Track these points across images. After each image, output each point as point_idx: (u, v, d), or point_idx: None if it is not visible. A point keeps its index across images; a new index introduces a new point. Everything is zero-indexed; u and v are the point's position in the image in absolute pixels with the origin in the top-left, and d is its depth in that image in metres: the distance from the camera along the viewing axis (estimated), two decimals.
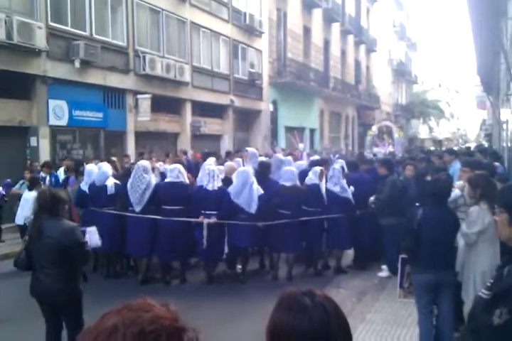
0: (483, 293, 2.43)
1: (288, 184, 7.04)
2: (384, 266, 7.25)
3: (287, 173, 7.19)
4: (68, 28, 12.06)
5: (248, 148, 9.73)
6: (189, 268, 7.34)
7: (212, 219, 6.62)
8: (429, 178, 6.36)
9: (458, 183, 5.58)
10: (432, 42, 58.78)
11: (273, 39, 22.33)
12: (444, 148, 23.37)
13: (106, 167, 7.53)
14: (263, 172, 7.63)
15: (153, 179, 7.07)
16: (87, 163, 9.04)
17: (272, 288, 6.25)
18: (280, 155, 9.96)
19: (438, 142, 54.41)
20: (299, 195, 7.04)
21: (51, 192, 4.06)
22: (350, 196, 7.35)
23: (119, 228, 7.02)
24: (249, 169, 7.58)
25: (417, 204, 5.43)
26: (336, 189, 7.26)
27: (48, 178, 9.08)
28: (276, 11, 22.47)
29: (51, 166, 9.53)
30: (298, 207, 7.04)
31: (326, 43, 28.34)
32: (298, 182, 7.22)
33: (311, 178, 7.25)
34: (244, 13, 19.59)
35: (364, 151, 22.26)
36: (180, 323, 0.94)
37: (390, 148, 21.27)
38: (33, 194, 7.90)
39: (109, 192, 7.12)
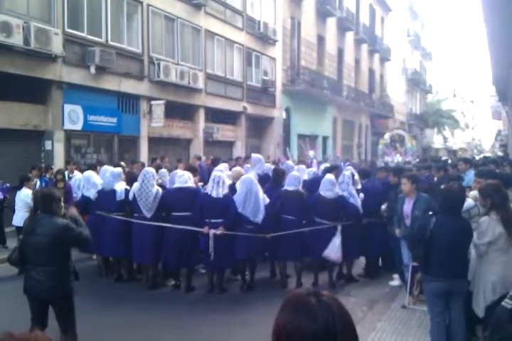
0: (508, 303, 2.39)
1: (290, 188, 6.94)
2: (395, 275, 7.16)
3: (291, 178, 7.09)
4: (84, 35, 12.23)
5: (253, 154, 9.68)
6: (198, 274, 7.28)
7: (219, 230, 6.46)
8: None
9: (472, 193, 5.50)
10: (447, 51, 58.59)
11: (287, 47, 22.42)
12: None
13: (113, 171, 7.45)
14: (276, 179, 7.58)
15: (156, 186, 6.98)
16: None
17: (281, 296, 6.19)
18: (290, 162, 9.96)
19: (452, 152, 53.91)
20: (302, 200, 6.90)
21: (43, 191, 4.32)
22: (358, 203, 7.17)
23: (127, 234, 6.98)
24: (252, 175, 7.50)
25: (430, 213, 5.36)
26: (344, 194, 7.09)
27: (38, 183, 9.03)
28: (290, 19, 22.58)
29: (42, 171, 9.45)
30: (301, 212, 6.88)
31: (340, 52, 28.37)
32: (300, 188, 7.12)
33: (330, 188, 6.92)
34: (259, 22, 19.71)
35: (376, 160, 22.14)
36: None
37: (399, 157, 21.04)
38: (24, 192, 7.78)
39: (118, 198, 7.06)
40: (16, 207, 7.85)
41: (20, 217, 7.67)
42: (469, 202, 5.22)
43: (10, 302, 5.83)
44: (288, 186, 7.01)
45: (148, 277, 6.99)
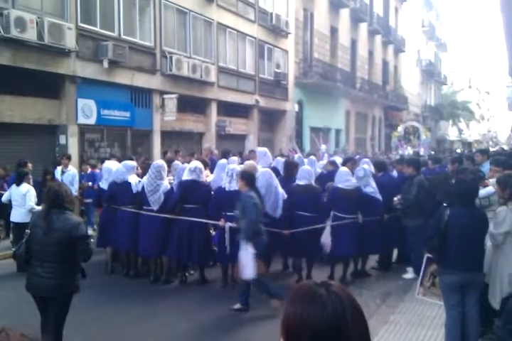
0: None
1: (302, 183, 6.77)
2: (409, 268, 7.11)
3: (303, 172, 6.92)
4: (97, 29, 12.28)
5: (258, 148, 9.64)
6: (210, 267, 7.28)
7: (235, 223, 6.35)
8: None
9: (492, 181, 5.43)
10: (463, 42, 57.72)
11: (299, 39, 22.26)
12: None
13: (127, 163, 7.48)
14: (288, 172, 7.53)
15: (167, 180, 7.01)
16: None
17: None
18: (298, 155, 9.98)
19: (468, 144, 53.27)
20: (315, 195, 6.78)
21: (58, 187, 4.19)
22: (380, 197, 7.09)
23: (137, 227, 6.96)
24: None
25: (444, 204, 5.31)
26: (369, 190, 7.01)
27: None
28: (303, 11, 22.40)
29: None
30: (316, 207, 6.74)
31: (353, 43, 28.10)
32: (313, 182, 7.00)
33: (348, 179, 6.85)
34: (271, 14, 19.58)
35: (389, 153, 21.96)
36: None
37: (410, 150, 20.79)
38: (23, 188, 7.37)
39: (134, 190, 7.07)
40: (14, 203, 7.52)
41: (20, 213, 7.37)
42: (489, 188, 5.15)
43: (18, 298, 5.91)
44: (299, 180, 6.85)
45: (151, 271, 6.99)
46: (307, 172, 6.94)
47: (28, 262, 4.09)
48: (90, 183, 9.78)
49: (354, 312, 1.20)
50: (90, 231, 9.47)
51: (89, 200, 9.53)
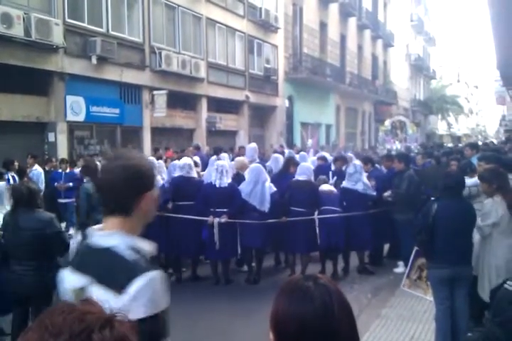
0: (510, 285, 2.40)
1: (302, 178, 6.78)
2: (400, 262, 7.16)
3: (303, 168, 6.95)
4: (85, 25, 12.16)
5: (250, 144, 9.77)
6: (203, 264, 7.26)
7: (224, 218, 6.41)
8: None
9: None
10: (451, 36, 57.98)
11: (289, 34, 22.22)
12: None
13: None
14: (285, 168, 7.56)
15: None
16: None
17: None
18: (287, 151, 10.02)
19: (457, 138, 53.64)
20: (313, 191, 6.79)
21: (27, 186, 4.21)
22: (374, 192, 7.12)
23: None
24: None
25: (432, 198, 5.35)
26: (358, 187, 7.02)
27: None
28: (292, 6, 22.34)
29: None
30: (312, 204, 6.75)
31: (343, 38, 28.10)
32: (312, 179, 7.03)
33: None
34: (260, 9, 19.52)
35: (376, 148, 22.05)
36: (107, 313, 0.89)
37: (398, 144, 20.89)
38: None
39: None
40: None
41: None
42: (475, 179, 5.17)
43: None
44: (299, 176, 6.85)
45: None
46: (307, 169, 6.99)
47: (6, 262, 4.09)
48: (71, 184, 9.60)
49: (342, 304, 1.21)
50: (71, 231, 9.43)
51: (68, 200, 9.47)
